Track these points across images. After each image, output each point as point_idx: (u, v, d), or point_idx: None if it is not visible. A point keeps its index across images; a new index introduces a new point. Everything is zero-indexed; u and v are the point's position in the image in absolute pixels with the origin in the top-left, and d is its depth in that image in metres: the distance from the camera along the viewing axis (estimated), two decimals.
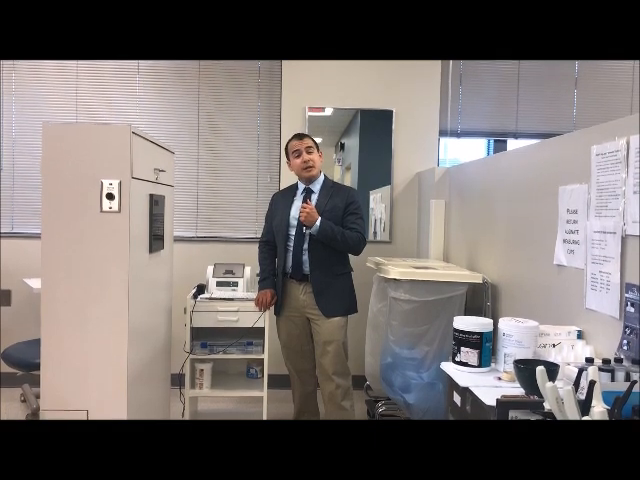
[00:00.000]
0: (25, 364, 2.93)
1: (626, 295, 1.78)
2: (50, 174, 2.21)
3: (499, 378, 2.00)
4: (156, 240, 2.64)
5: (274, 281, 3.08)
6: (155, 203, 2.60)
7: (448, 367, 2.17)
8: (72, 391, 2.23)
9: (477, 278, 2.83)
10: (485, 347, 2.10)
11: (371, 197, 4.18)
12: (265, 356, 3.06)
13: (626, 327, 1.76)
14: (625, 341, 1.76)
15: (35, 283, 3.39)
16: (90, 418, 2.23)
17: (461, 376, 2.05)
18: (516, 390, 1.80)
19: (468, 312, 2.82)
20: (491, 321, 2.20)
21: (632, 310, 1.74)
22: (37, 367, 2.29)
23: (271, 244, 3.12)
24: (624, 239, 1.80)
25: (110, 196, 2.21)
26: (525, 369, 1.74)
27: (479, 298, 2.92)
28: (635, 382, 1.41)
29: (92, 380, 2.24)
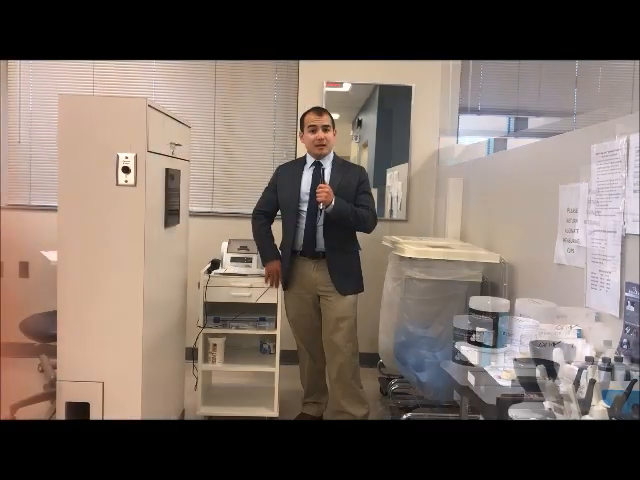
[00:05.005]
0: (42, 335, 2.97)
1: (626, 294, 1.76)
2: (66, 147, 2.21)
3: (499, 377, 1.95)
4: (171, 215, 2.64)
5: (277, 251, 3.06)
6: (171, 177, 2.59)
7: (462, 347, 2.16)
8: (88, 363, 2.26)
9: (494, 258, 2.80)
10: (501, 328, 2.08)
11: (388, 175, 4.14)
12: (277, 332, 3.06)
13: (626, 326, 1.74)
14: (625, 340, 1.73)
15: (52, 255, 3.41)
16: (106, 390, 2.26)
17: (476, 356, 2.04)
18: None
19: (484, 292, 2.80)
20: (507, 302, 2.18)
21: (632, 309, 1.72)
22: (54, 338, 2.32)
23: (269, 215, 3.08)
24: (624, 238, 1.78)
25: (126, 169, 2.20)
26: (524, 369, 1.69)
27: (496, 278, 2.89)
28: (635, 381, 1.39)
29: (108, 352, 2.26)
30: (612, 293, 1.85)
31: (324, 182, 2.85)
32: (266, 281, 3.01)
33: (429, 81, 4.02)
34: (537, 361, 1.76)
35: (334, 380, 3.06)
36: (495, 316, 2.08)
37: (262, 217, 3.08)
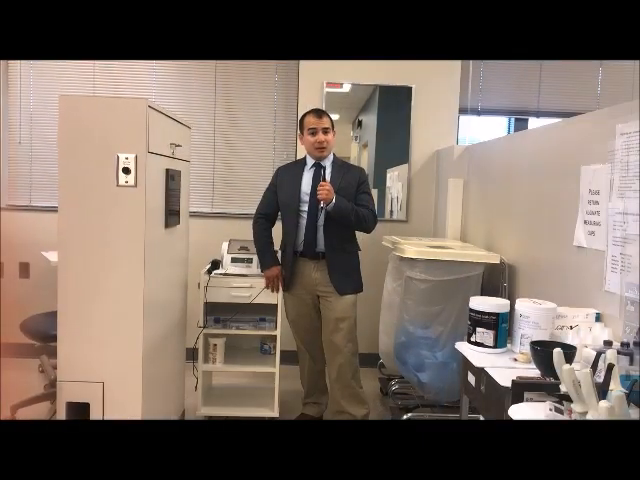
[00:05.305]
0: (43, 336, 2.97)
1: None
2: (66, 147, 2.21)
3: (515, 359, 1.98)
4: (172, 215, 2.64)
5: (277, 257, 3.06)
6: (171, 178, 2.59)
7: (463, 347, 2.16)
8: (88, 363, 2.26)
9: (494, 258, 2.80)
10: (501, 328, 2.08)
11: (388, 175, 4.14)
12: (278, 333, 3.06)
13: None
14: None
15: (53, 256, 3.41)
16: (106, 390, 2.26)
17: (476, 356, 2.04)
18: (532, 372, 1.78)
19: (484, 292, 2.80)
20: (508, 302, 2.18)
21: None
22: (54, 339, 2.32)
23: (270, 218, 3.08)
24: None
25: (126, 170, 2.20)
26: (542, 351, 1.72)
27: (496, 278, 2.89)
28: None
29: (108, 352, 2.26)
30: (633, 275, 1.79)
31: (325, 180, 2.85)
32: (267, 286, 3.01)
33: (429, 81, 4.02)
34: (538, 362, 1.77)
35: (334, 380, 3.06)
36: (495, 316, 2.08)
37: (263, 221, 3.07)
